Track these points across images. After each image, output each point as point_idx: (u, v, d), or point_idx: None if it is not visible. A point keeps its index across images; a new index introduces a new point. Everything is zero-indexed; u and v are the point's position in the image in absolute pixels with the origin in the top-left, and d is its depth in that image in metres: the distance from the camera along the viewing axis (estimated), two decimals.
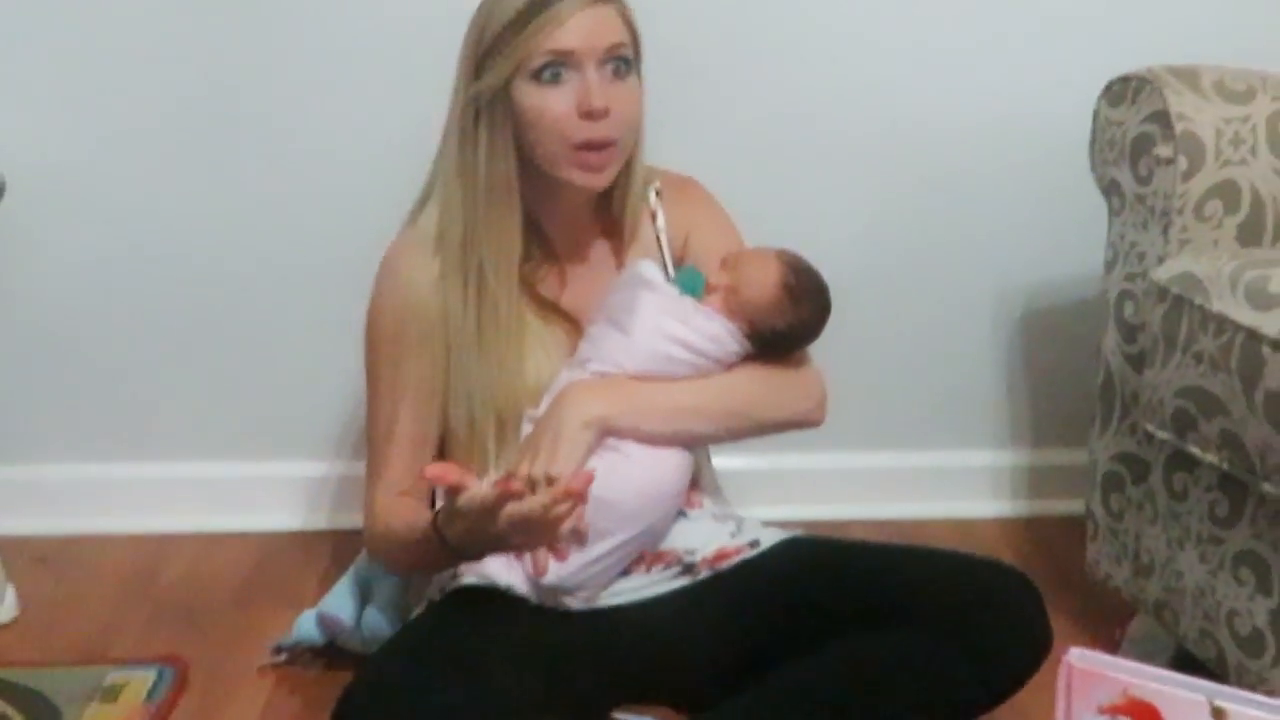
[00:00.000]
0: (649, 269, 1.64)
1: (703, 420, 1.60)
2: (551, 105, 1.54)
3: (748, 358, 1.63)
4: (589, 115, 1.54)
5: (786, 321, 1.62)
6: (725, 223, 1.76)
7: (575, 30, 1.53)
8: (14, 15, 2.11)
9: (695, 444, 1.64)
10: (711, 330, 1.60)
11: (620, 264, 1.70)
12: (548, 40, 1.52)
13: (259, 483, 2.33)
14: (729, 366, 1.62)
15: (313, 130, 2.18)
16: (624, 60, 1.57)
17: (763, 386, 1.64)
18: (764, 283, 1.61)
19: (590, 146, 1.56)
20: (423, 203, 1.67)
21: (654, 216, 1.74)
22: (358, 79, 2.15)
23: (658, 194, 1.74)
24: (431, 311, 1.61)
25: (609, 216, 1.69)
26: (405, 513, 1.61)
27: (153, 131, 2.17)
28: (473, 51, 1.57)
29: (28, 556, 2.18)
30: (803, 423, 1.68)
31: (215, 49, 2.13)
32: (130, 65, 2.14)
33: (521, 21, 1.52)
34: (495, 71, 1.54)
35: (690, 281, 1.63)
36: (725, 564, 1.66)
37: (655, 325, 1.59)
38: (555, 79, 1.54)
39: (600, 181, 1.61)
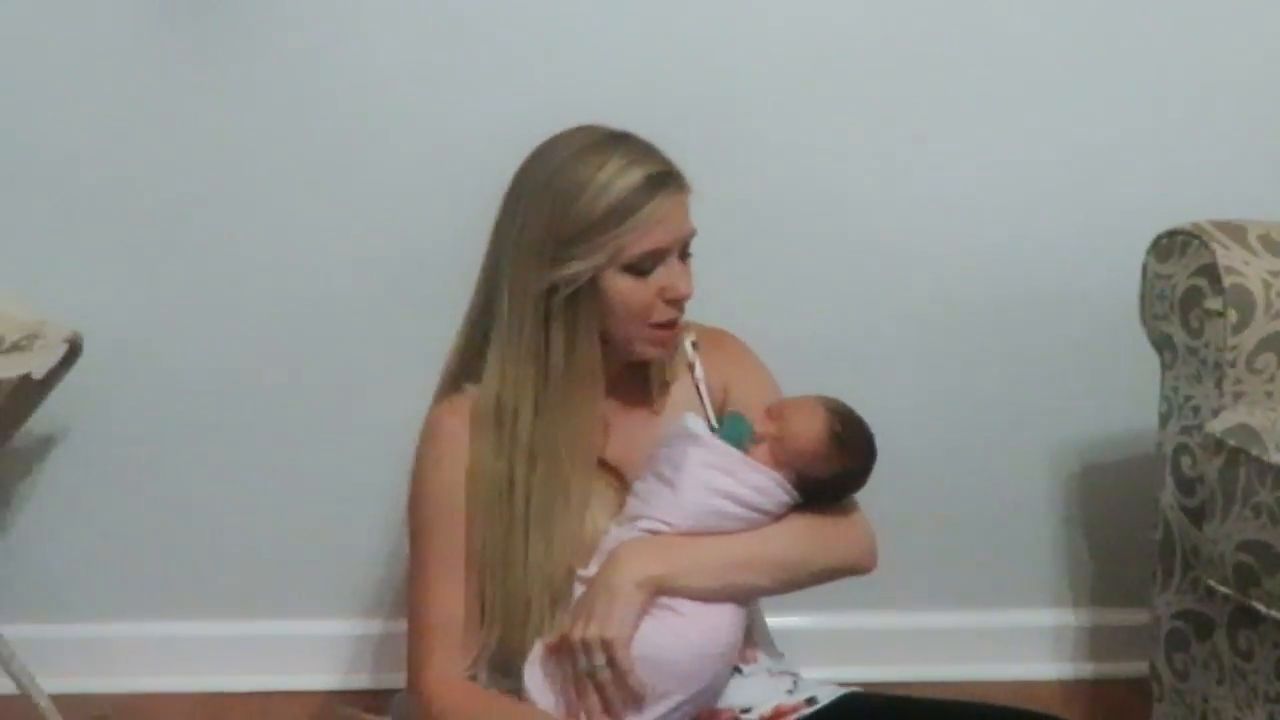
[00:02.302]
0: (694, 423, 1.64)
1: (755, 573, 1.59)
2: (640, 294, 1.58)
3: (795, 507, 1.63)
4: (674, 302, 1.60)
5: (834, 470, 1.62)
6: (764, 373, 1.77)
7: (669, 228, 1.57)
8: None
9: (748, 597, 1.63)
10: (759, 482, 1.60)
11: (656, 413, 1.71)
12: (646, 239, 1.56)
13: (317, 641, 2.34)
14: (778, 517, 1.62)
15: (356, 296, 2.24)
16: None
17: (813, 536, 1.63)
18: (812, 432, 1.61)
19: (669, 326, 1.62)
20: (464, 368, 1.67)
21: (692, 368, 1.75)
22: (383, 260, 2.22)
23: (694, 346, 1.76)
24: (494, 483, 1.60)
25: (645, 368, 1.71)
26: (477, 701, 1.59)
27: (214, 294, 2.24)
28: (548, 234, 1.56)
29: (87, 715, 2.19)
30: (854, 570, 1.67)
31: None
32: (193, 232, 2.22)
33: (617, 217, 1.54)
34: (585, 261, 1.55)
35: (735, 430, 1.63)
36: None
37: (703, 480, 1.58)
38: (648, 272, 1.58)
39: (673, 353, 1.68)
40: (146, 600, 2.34)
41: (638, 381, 1.71)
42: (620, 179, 1.55)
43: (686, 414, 1.67)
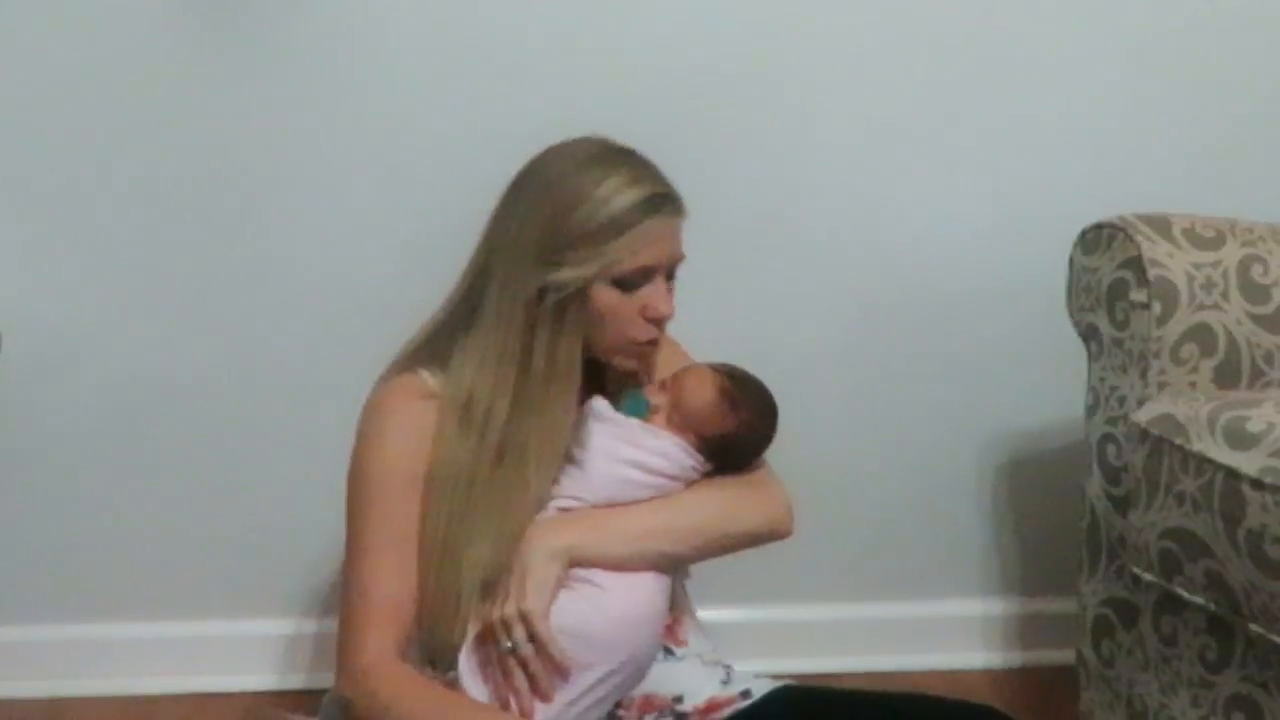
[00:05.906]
0: (598, 403, 1.65)
1: (671, 539, 1.60)
2: (624, 309, 1.59)
3: (710, 474, 1.65)
4: (655, 321, 1.61)
5: (731, 426, 1.64)
6: (684, 359, 1.78)
7: (662, 248, 1.59)
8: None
9: (667, 564, 1.62)
10: (662, 447, 1.61)
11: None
12: (642, 255, 1.57)
13: (247, 641, 2.31)
14: (690, 484, 1.63)
15: (291, 292, 2.22)
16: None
17: (725, 501, 1.64)
18: (701, 391, 1.64)
19: (650, 343, 1.63)
20: (426, 354, 1.66)
21: None
22: (344, 247, 2.20)
23: None
24: (454, 474, 1.60)
25: (603, 373, 1.70)
26: (411, 684, 1.57)
27: (139, 289, 2.20)
28: (545, 238, 1.57)
29: None
30: (771, 534, 1.67)
31: (207, 217, 2.19)
32: (118, 226, 2.18)
33: (614, 230, 1.55)
34: (576, 269, 1.56)
35: (635, 405, 1.65)
36: (717, 715, 1.64)
37: (607, 452, 1.60)
38: (635, 288, 1.59)
39: (650, 369, 1.69)
40: (69, 602, 2.29)
41: (595, 385, 1.71)
42: (622, 194, 1.56)
43: (593, 397, 1.67)
